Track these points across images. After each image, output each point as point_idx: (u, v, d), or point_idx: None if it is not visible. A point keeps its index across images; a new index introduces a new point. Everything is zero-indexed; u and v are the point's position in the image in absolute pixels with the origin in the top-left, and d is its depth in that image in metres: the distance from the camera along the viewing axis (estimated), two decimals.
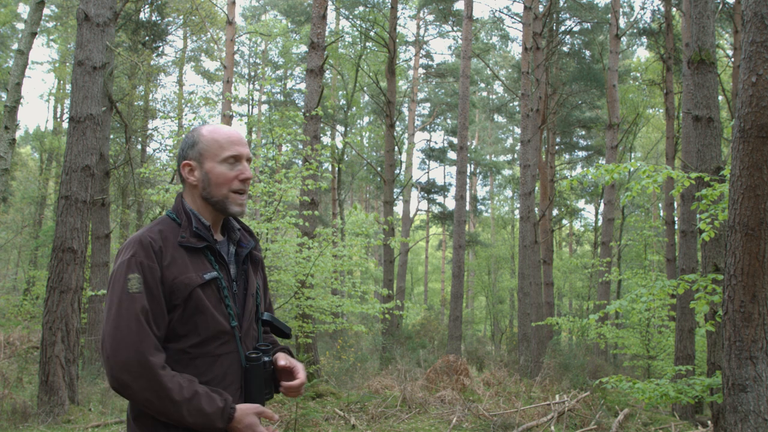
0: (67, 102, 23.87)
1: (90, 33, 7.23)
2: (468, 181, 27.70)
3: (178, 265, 1.76)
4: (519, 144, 17.55)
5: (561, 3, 20.64)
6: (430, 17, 26.74)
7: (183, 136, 1.98)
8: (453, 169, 26.94)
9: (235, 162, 1.86)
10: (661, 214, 22.72)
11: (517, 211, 30.94)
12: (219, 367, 1.79)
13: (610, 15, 17.05)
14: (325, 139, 21.52)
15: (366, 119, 31.39)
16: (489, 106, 31.34)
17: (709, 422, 7.11)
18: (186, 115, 21.75)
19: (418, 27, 27.68)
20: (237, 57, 29.40)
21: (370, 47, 21.47)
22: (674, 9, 17.44)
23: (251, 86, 30.75)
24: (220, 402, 1.71)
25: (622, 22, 19.60)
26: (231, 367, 1.81)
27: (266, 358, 1.86)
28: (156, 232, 1.79)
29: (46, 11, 20.61)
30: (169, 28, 20.01)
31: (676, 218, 14.71)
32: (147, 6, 17.39)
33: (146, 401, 1.65)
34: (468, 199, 32.08)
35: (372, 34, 20.20)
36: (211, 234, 1.87)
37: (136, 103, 19.28)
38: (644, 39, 20.78)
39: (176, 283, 1.73)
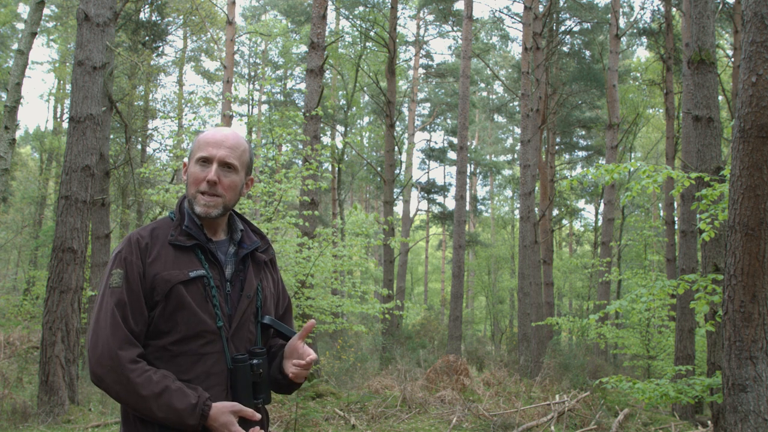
0: (67, 102, 23.86)
1: (90, 33, 7.23)
2: (468, 181, 27.69)
3: (162, 262, 1.78)
4: (519, 144, 17.54)
5: (561, 3, 20.63)
6: (430, 17, 26.74)
7: (184, 136, 1.96)
8: (453, 169, 26.93)
9: (205, 163, 1.86)
10: (661, 214, 22.72)
11: (517, 211, 30.94)
12: (201, 366, 1.77)
13: (610, 15, 17.05)
14: (325, 139, 21.51)
15: (366, 119, 31.39)
16: (489, 106, 31.32)
17: (709, 422, 7.11)
18: (186, 115, 21.76)
19: (418, 27, 27.69)
20: (237, 57, 29.39)
21: (370, 47, 21.47)
22: (674, 9, 17.43)
23: (251, 86, 30.74)
24: (193, 398, 1.69)
25: (622, 22, 19.60)
26: (215, 368, 1.79)
27: (255, 361, 1.81)
28: (148, 230, 1.84)
29: (46, 11, 20.60)
30: (169, 28, 20.01)
31: (676, 218, 14.70)
32: (147, 6, 17.39)
33: (117, 395, 1.69)
34: (468, 199, 32.06)
35: (372, 34, 20.20)
36: (203, 233, 1.86)
37: (136, 103, 19.27)
38: (644, 39, 20.78)
39: (157, 278, 1.76)
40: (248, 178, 1.98)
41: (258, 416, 1.81)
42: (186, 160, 1.95)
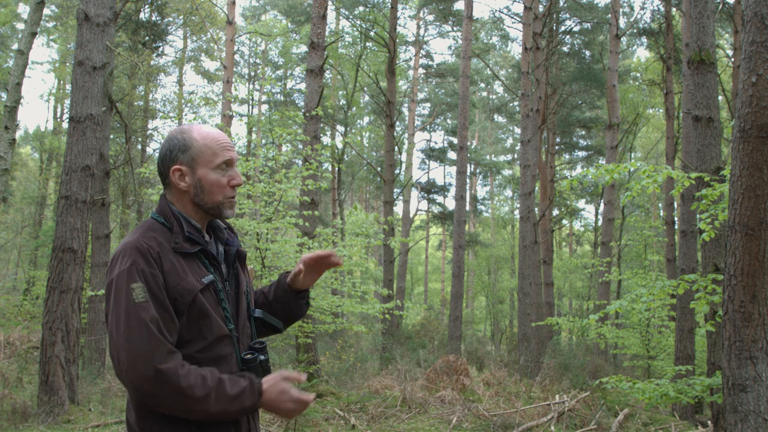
0: (67, 102, 23.86)
1: (90, 33, 7.23)
2: (468, 181, 27.70)
3: (177, 272, 1.73)
4: (519, 144, 17.55)
5: (561, 3, 20.63)
6: (430, 17, 26.74)
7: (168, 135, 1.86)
8: (453, 169, 26.90)
9: (226, 168, 1.84)
10: (661, 214, 22.72)
11: (517, 211, 30.91)
12: (225, 369, 1.78)
13: (610, 15, 17.05)
14: (325, 139, 21.51)
15: (366, 119, 31.39)
16: (489, 106, 31.33)
17: (709, 422, 7.11)
18: (186, 115, 21.78)
19: (418, 27, 27.69)
20: (237, 57, 29.39)
21: (370, 47, 21.47)
22: (674, 9, 17.44)
23: (251, 86, 30.75)
24: (244, 381, 1.71)
25: (622, 22, 19.60)
26: (233, 369, 1.81)
27: (262, 357, 1.84)
28: (151, 238, 1.74)
29: (46, 11, 20.60)
30: (169, 28, 20.02)
31: (676, 218, 14.70)
32: (147, 6, 17.40)
33: (176, 404, 1.64)
34: (468, 199, 32.06)
35: (372, 34, 20.20)
36: (203, 236, 1.85)
37: (136, 103, 19.28)
38: (644, 39, 20.77)
39: (179, 289, 1.71)
40: None
41: (303, 377, 1.82)
42: (183, 167, 1.81)
